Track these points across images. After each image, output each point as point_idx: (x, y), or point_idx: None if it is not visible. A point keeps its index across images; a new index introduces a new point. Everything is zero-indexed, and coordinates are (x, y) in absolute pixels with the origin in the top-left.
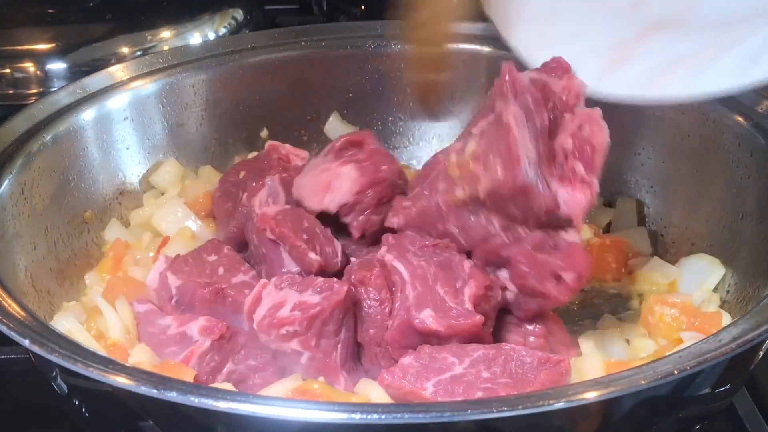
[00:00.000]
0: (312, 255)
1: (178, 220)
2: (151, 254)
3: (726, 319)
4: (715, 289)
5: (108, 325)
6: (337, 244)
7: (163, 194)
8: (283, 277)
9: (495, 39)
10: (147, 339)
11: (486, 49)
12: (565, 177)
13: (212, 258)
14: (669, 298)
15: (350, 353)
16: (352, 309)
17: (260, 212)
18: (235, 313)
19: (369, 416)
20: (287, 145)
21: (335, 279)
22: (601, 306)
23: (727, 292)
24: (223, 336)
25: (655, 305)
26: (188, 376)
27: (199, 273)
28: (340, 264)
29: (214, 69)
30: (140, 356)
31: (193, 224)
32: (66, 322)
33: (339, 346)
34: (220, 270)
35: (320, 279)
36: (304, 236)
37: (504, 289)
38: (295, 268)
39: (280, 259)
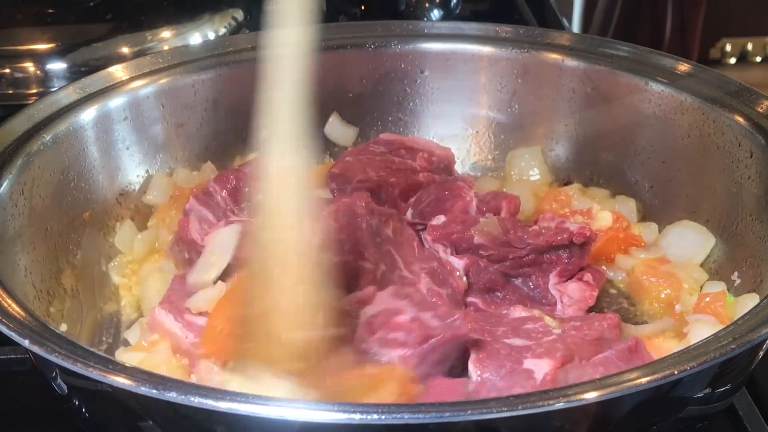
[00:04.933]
0: None
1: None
2: None
3: (730, 297)
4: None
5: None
6: None
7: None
8: (404, 289)
9: (495, 39)
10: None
11: (486, 48)
12: None
13: None
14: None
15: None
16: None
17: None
18: None
19: (369, 416)
20: None
21: (457, 312)
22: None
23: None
24: None
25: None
26: None
27: None
28: None
29: (214, 69)
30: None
31: None
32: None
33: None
34: None
35: (444, 306)
36: None
37: None
38: None
39: None
